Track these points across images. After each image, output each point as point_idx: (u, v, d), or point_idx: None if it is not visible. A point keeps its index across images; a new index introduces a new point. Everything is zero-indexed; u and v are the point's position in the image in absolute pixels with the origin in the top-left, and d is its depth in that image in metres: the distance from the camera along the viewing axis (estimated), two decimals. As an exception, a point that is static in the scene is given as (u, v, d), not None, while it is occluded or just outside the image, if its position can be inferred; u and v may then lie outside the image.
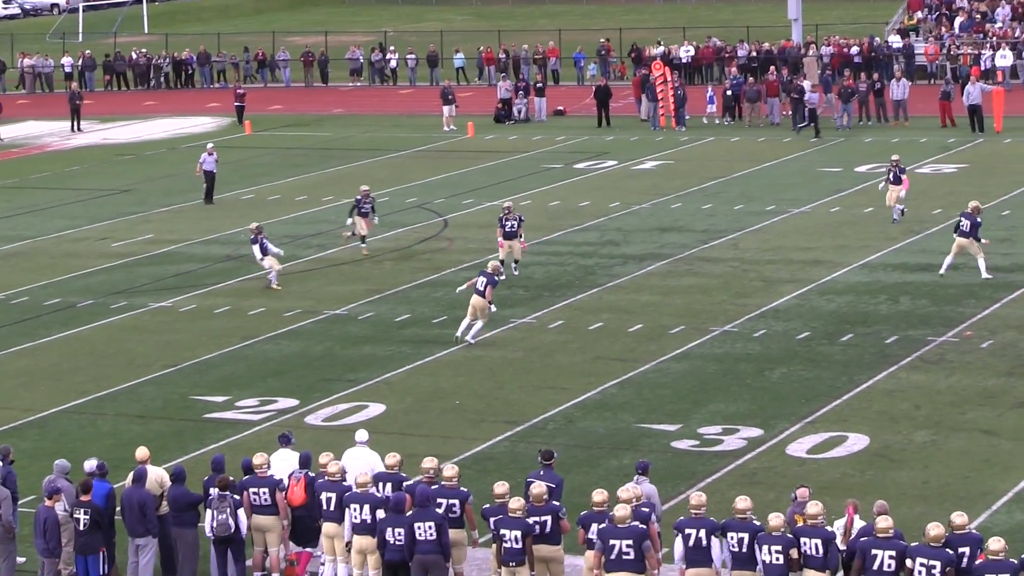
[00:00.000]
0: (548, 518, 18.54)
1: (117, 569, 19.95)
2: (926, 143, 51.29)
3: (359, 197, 37.40)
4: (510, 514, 18.35)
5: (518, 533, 18.24)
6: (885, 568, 17.10)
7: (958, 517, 17.35)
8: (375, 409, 26.57)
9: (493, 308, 30.19)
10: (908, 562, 17.00)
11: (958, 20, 66.22)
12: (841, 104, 54.75)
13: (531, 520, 18.40)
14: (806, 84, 56.44)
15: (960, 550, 17.08)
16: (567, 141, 54.65)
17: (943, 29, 66.05)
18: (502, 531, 18.30)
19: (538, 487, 18.77)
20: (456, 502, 19.09)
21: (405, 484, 19.46)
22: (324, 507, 19.52)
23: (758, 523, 17.84)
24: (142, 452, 20.25)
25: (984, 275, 33.11)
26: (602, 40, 70.70)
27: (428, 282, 35.15)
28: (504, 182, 46.90)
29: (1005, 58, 62.44)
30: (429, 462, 19.48)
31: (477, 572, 19.53)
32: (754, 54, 65.41)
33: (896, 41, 65.27)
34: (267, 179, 48.86)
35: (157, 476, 20.11)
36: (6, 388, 28.64)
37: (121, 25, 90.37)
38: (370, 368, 28.87)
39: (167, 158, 54.34)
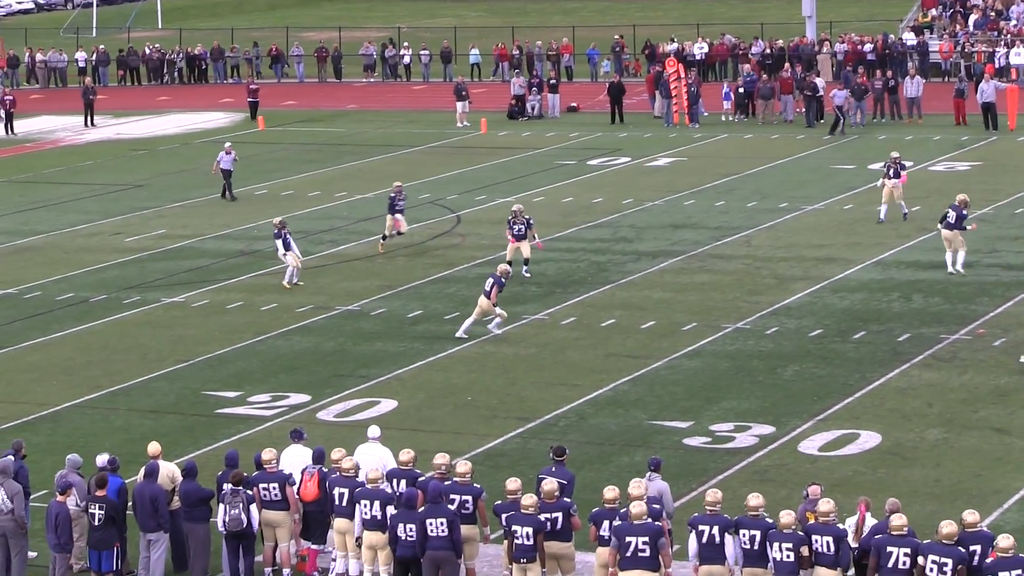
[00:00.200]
0: (559, 515, 18.55)
1: (129, 564, 19.99)
2: (940, 141, 51.21)
3: (393, 194, 37.00)
4: (522, 511, 18.36)
5: (529, 530, 18.24)
6: (900, 566, 17.09)
7: (970, 515, 17.34)
8: (387, 405, 26.58)
9: (498, 310, 30.13)
10: (920, 559, 16.99)
11: (972, 17, 66.10)
12: (854, 102, 54.66)
13: (543, 517, 18.40)
14: (819, 81, 56.40)
15: (971, 548, 17.07)
16: (580, 137, 54.63)
17: (957, 26, 65.94)
18: (514, 527, 18.31)
19: (549, 484, 18.78)
20: (469, 498, 19.09)
21: (418, 480, 19.47)
22: (336, 502, 19.54)
23: (770, 520, 17.83)
24: (154, 447, 20.29)
25: (958, 268, 33.35)
26: (616, 37, 70.66)
27: (441, 278, 35.16)
28: (517, 178, 46.90)
29: (1020, 56, 62.28)
30: (441, 458, 19.48)
31: (488, 568, 19.54)
32: (768, 51, 65.33)
33: (910, 38, 65.17)
34: (280, 175, 48.90)
35: (169, 471, 20.15)
36: (19, 382, 28.69)
37: (135, 20, 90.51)
38: (382, 364, 28.88)
39: (180, 153, 54.41)
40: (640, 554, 17.73)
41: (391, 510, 19.00)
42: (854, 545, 17.83)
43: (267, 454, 20.03)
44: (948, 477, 22.69)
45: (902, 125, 54.72)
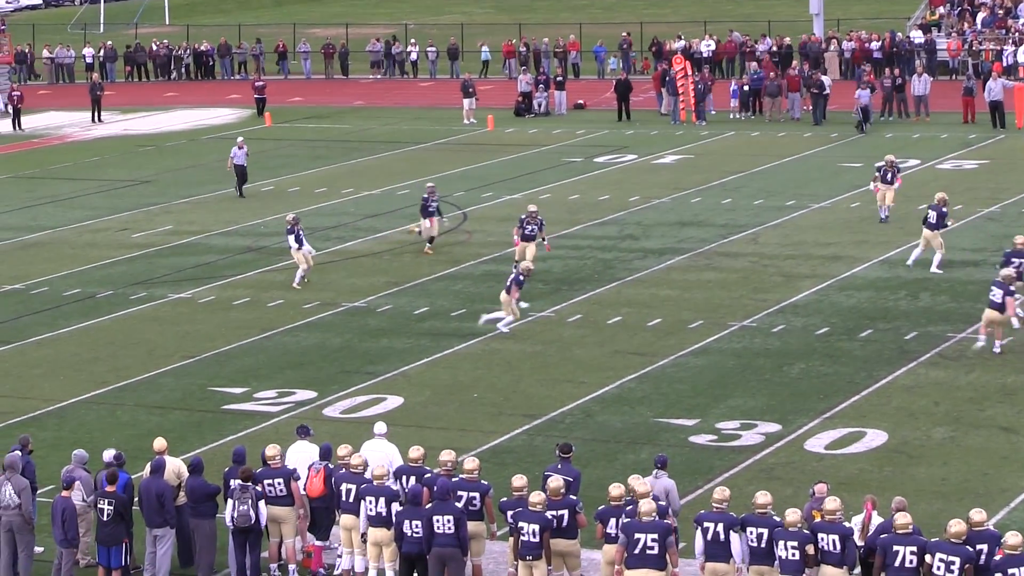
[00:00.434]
0: (565, 512, 18.55)
1: (135, 559, 20.01)
2: (947, 139, 51.18)
3: (425, 195, 36.68)
4: (530, 508, 18.35)
5: (536, 527, 18.24)
6: (907, 564, 17.09)
7: (977, 514, 17.33)
8: (393, 402, 26.59)
9: (523, 305, 30.16)
10: (928, 557, 16.99)
11: (980, 15, 66.03)
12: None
13: (548, 514, 18.40)
14: (826, 79, 56.36)
15: (978, 547, 17.06)
16: (587, 135, 54.62)
17: (965, 24, 65.87)
18: (520, 524, 18.31)
19: (555, 481, 18.78)
20: (476, 495, 19.09)
21: (425, 477, 19.47)
22: (343, 499, 19.55)
23: (777, 518, 17.83)
24: (160, 443, 20.30)
25: (935, 269, 33.35)
26: (624, 34, 70.63)
27: (447, 275, 35.16)
28: (524, 175, 46.89)
29: (1027, 54, 62.26)
30: (447, 455, 19.48)
31: (494, 565, 19.54)
32: (775, 49, 65.28)
33: (918, 36, 65.10)
34: (287, 171, 48.90)
35: (175, 467, 20.16)
36: (26, 378, 28.72)
37: (142, 16, 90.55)
38: (388, 361, 28.89)
39: (187, 149, 54.44)
40: (648, 552, 17.73)
41: (396, 507, 19.01)
42: (860, 543, 17.82)
43: (271, 450, 20.04)
44: (955, 476, 22.68)
45: (909, 123, 54.67)
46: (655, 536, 17.72)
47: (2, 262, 37.90)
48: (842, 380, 27.08)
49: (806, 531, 17.66)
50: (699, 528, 18.07)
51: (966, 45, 64.19)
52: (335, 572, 19.98)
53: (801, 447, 24.00)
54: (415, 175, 47.37)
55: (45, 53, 74.60)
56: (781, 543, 17.61)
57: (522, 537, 18.31)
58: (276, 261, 36.51)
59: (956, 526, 17.05)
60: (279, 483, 19.78)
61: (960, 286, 32.65)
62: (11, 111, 60.32)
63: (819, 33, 66.88)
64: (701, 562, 18.14)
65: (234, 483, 19.60)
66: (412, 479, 19.45)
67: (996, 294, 27.94)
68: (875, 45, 64.24)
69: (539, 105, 60.01)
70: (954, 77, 62.71)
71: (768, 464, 23.33)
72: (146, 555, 19.90)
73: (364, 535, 19.33)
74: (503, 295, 30.05)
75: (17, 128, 59.95)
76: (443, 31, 77.27)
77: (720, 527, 17.95)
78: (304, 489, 19.97)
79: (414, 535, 18.69)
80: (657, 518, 17.88)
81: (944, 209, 33.57)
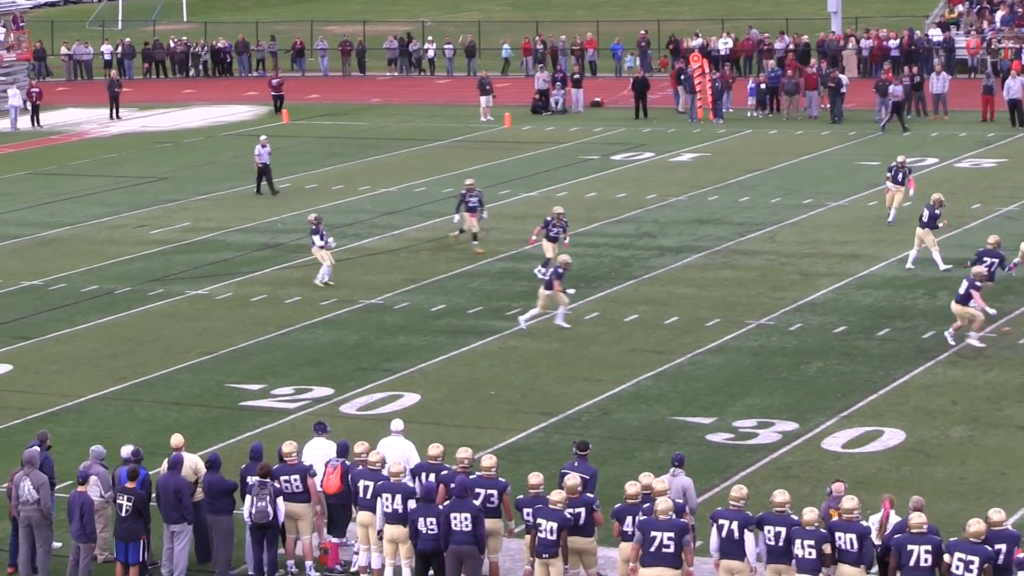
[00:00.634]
0: (582, 510, 18.55)
1: (153, 554, 20.05)
2: (965, 137, 51.07)
3: (464, 192, 36.53)
4: (550, 506, 18.34)
5: (554, 525, 18.23)
6: (922, 563, 17.06)
7: (995, 513, 17.29)
8: (410, 399, 26.61)
9: (569, 291, 30.38)
10: (947, 557, 16.96)
11: (999, 14, 65.87)
12: (879, 98, 54.51)
13: (567, 513, 18.39)
14: (843, 77, 56.27)
15: (996, 546, 17.02)
16: (604, 132, 54.59)
17: (984, 23, 65.71)
18: (539, 520, 18.30)
19: (572, 479, 18.78)
20: (494, 492, 19.09)
21: (442, 474, 19.47)
22: (360, 495, 19.56)
23: (795, 517, 17.81)
24: (177, 439, 20.33)
25: (942, 268, 33.34)
26: (642, 32, 70.57)
27: (464, 272, 35.17)
28: (540, 173, 46.89)
29: (1046, 52, 62.09)
30: (464, 452, 19.49)
31: (511, 562, 19.54)
32: (792, 47, 65.19)
33: (936, 34, 64.96)
34: (304, 168, 48.93)
35: (192, 463, 20.18)
36: (44, 374, 28.79)
37: (160, 13, 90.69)
38: (405, 358, 28.91)
39: (205, 146, 54.52)
40: (664, 550, 17.72)
41: (412, 504, 19.02)
42: (877, 542, 17.79)
43: (287, 447, 20.06)
44: (973, 475, 22.64)
45: (927, 121, 54.56)
46: (671, 535, 17.71)
47: (21, 258, 38.00)
48: (859, 379, 27.04)
49: (823, 530, 17.64)
50: (714, 525, 18.08)
51: (985, 43, 64.02)
52: (351, 569, 20.00)
53: (818, 446, 23.97)
54: (432, 172, 47.40)
55: (63, 50, 74.70)
56: (798, 542, 17.59)
57: (539, 534, 18.31)
58: (293, 258, 36.55)
59: (975, 525, 17.02)
60: (295, 479, 19.80)
61: (978, 285, 32.51)
62: (30, 107, 60.44)
63: (837, 31, 66.76)
64: (716, 559, 18.14)
65: (252, 479, 19.63)
66: (431, 476, 19.46)
67: (962, 286, 28.30)
68: (893, 43, 64.11)
69: (556, 103, 59.99)
70: (973, 75, 62.57)
71: (785, 463, 23.31)
72: (163, 551, 19.93)
73: (380, 532, 19.34)
74: (542, 290, 30.02)
75: (36, 125, 60.08)
76: (460, 28, 77.26)
77: (735, 525, 17.95)
78: (321, 486, 19.98)
79: (428, 532, 18.70)
80: (674, 517, 17.87)
81: (937, 211, 33.65)
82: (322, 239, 33.88)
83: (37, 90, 61.38)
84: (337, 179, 47.06)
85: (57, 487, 20.78)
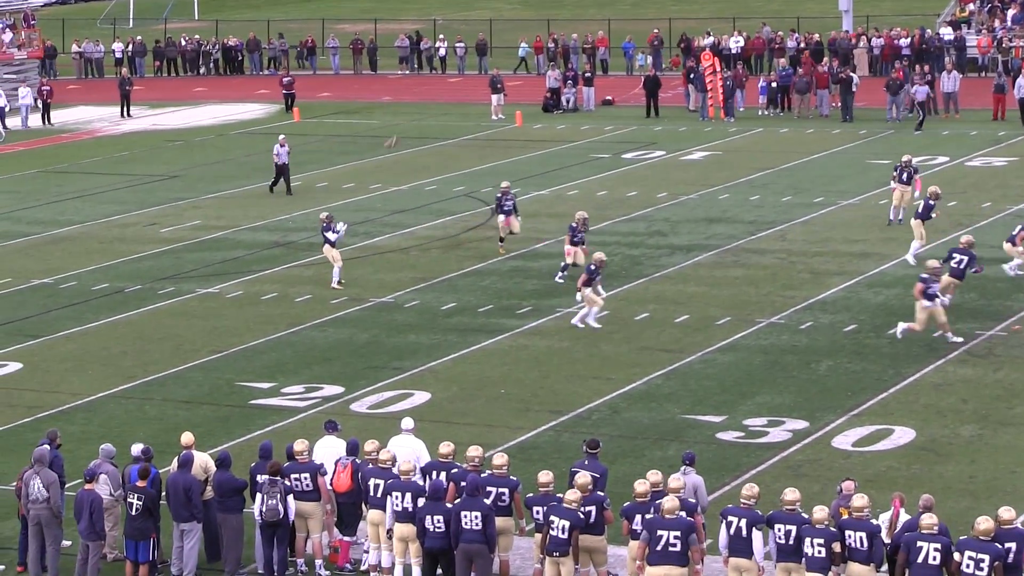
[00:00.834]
0: (592, 508, 18.54)
1: (163, 553, 20.06)
2: (976, 136, 51.00)
3: (499, 195, 36.18)
4: (564, 504, 18.32)
5: (566, 523, 18.23)
6: (930, 560, 17.04)
7: (1006, 512, 17.27)
8: (420, 397, 26.61)
9: (601, 292, 30.20)
10: (956, 555, 16.93)
11: (1011, 12, 65.77)
12: (890, 96, 54.44)
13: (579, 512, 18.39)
14: (854, 76, 56.19)
15: (1007, 545, 17.00)
16: (615, 131, 54.57)
17: (996, 21, 65.61)
18: (552, 518, 18.29)
19: (583, 477, 18.77)
20: (506, 491, 19.08)
21: (452, 472, 19.46)
22: (371, 494, 19.56)
23: (805, 515, 17.80)
24: (187, 437, 20.34)
25: (908, 258, 33.60)
26: (655, 31, 70.55)
27: (475, 271, 35.17)
28: (552, 171, 46.88)
29: (1058, 51, 62.00)
30: (474, 451, 19.49)
31: (521, 560, 19.54)
32: (803, 45, 65.12)
33: (947, 33, 64.87)
34: (315, 166, 48.94)
35: (202, 461, 20.19)
36: (55, 372, 28.82)
37: (171, 11, 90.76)
38: (416, 356, 28.91)
39: (216, 144, 54.56)
40: (671, 548, 17.72)
41: (422, 502, 19.01)
42: (887, 541, 17.77)
43: (299, 445, 20.06)
44: (983, 473, 22.60)
45: (939, 120, 54.46)
46: (677, 533, 17.72)
47: (31, 256, 38.05)
48: (870, 377, 27.02)
49: (833, 528, 17.63)
50: (723, 522, 18.08)
51: (996, 42, 63.92)
52: (362, 567, 20.00)
53: (828, 444, 23.95)
54: (443, 171, 47.40)
55: (74, 48, 74.78)
56: (808, 540, 17.58)
57: (551, 532, 18.31)
58: (304, 256, 36.56)
59: (984, 523, 16.99)
60: (306, 478, 19.80)
61: (989, 283, 32.51)
62: (41, 106, 60.51)
63: (848, 29, 66.68)
64: (725, 556, 18.14)
65: (262, 478, 19.63)
66: (442, 474, 19.45)
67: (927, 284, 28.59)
68: (904, 42, 64.01)
69: (567, 101, 59.97)
70: (984, 74, 62.46)
71: (795, 461, 23.29)
72: (173, 549, 19.95)
73: (390, 531, 19.34)
74: (587, 291, 29.89)
75: (46, 123, 60.14)
76: (472, 27, 77.26)
77: (743, 523, 17.95)
78: (331, 484, 19.98)
79: (436, 530, 18.69)
80: (683, 515, 17.86)
81: (931, 202, 33.89)
82: (334, 233, 33.59)
83: (48, 88, 61.44)
84: (348, 177, 47.08)
85: (67, 485, 20.80)
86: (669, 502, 17.89)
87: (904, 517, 18.04)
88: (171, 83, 72.12)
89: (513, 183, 44.94)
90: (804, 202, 41.51)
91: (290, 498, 19.62)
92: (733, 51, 65.92)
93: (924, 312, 28.42)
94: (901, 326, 28.71)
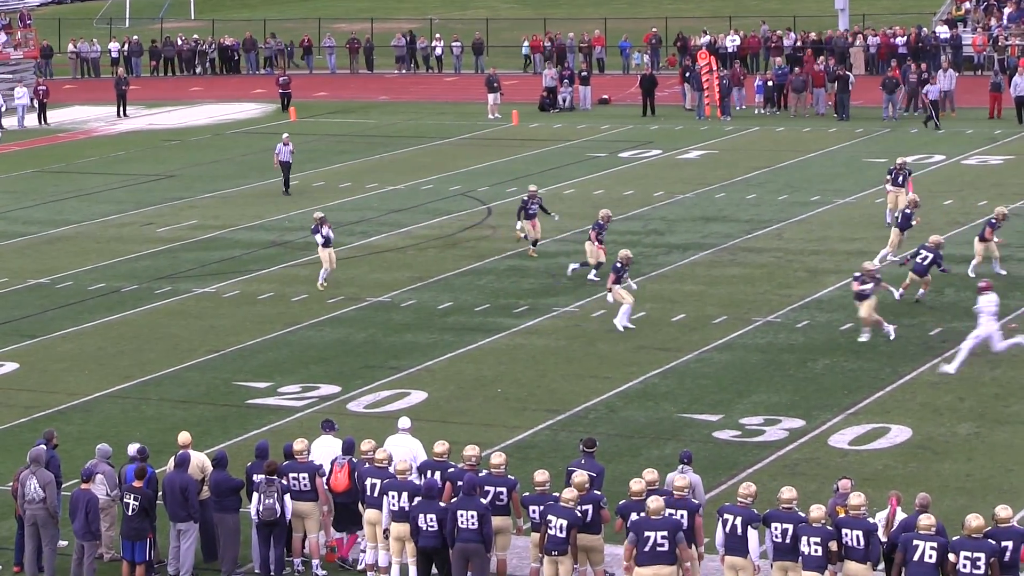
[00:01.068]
0: (589, 507, 18.54)
1: (159, 553, 20.05)
2: (972, 134, 51.02)
3: (526, 198, 35.72)
4: (561, 503, 18.33)
5: (564, 522, 18.23)
6: (926, 559, 17.04)
7: (1003, 510, 17.27)
8: (417, 396, 26.61)
9: (631, 286, 30.01)
10: (952, 556, 16.92)
11: (1007, 11, 65.80)
12: (886, 95, 54.45)
13: (577, 511, 18.38)
14: (850, 74, 56.19)
15: (1003, 544, 17.00)
16: (612, 130, 54.58)
17: (992, 20, 65.63)
18: (549, 517, 18.30)
19: (580, 476, 18.78)
20: (503, 490, 19.08)
21: (449, 471, 19.46)
22: (368, 493, 19.56)
23: (802, 514, 17.80)
24: (184, 437, 20.33)
25: (875, 261, 33.35)
26: (652, 29, 70.57)
27: (471, 270, 35.17)
28: (548, 170, 46.87)
29: (1054, 49, 62.00)
30: (471, 450, 19.49)
31: (517, 560, 19.54)
32: (800, 44, 65.13)
33: (943, 31, 64.89)
34: (312, 166, 48.92)
35: (199, 461, 20.19)
36: (51, 372, 28.81)
37: (168, 11, 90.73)
38: (412, 355, 28.91)
39: (213, 144, 54.54)
40: (658, 549, 17.75)
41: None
42: (884, 539, 17.77)
43: (298, 444, 20.06)
44: (979, 472, 22.62)
45: (933, 120, 54.42)
46: (664, 533, 17.74)
47: (27, 256, 38.03)
48: (867, 376, 27.03)
49: (830, 527, 17.63)
50: (719, 520, 18.09)
51: (991, 40, 63.94)
52: (359, 567, 20.00)
53: (825, 443, 23.96)
54: (439, 170, 47.41)
55: (70, 47, 74.74)
56: (805, 539, 17.59)
57: (549, 531, 18.31)
58: (300, 256, 36.55)
59: (975, 520, 17.01)
60: (304, 478, 19.80)
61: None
62: (37, 105, 60.48)
63: (844, 28, 66.70)
64: (722, 554, 18.16)
65: (259, 477, 19.63)
66: (437, 474, 19.45)
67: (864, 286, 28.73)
68: (900, 40, 64.03)
69: (564, 100, 59.98)
70: (980, 73, 62.49)
71: (792, 460, 23.30)
72: (170, 549, 19.95)
73: (387, 530, 19.34)
74: (618, 289, 29.82)
75: (43, 123, 60.12)
76: (468, 26, 77.24)
77: (739, 521, 17.96)
78: (328, 484, 19.97)
79: (429, 529, 18.69)
80: (673, 515, 17.86)
81: (909, 211, 33.99)
82: (322, 236, 33.27)
83: (44, 88, 61.40)
84: (344, 176, 47.07)
85: (64, 485, 20.78)
86: (654, 502, 17.91)
87: (901, 515, 18.05)
88: (167, 83, 72.09)
89: (510, 182, 45.01)
90: (800, 201, 41.53)
91: (287, 497, 19.62)
92: (729, 50, 65.94)
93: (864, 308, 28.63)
94: (887, 328, 28.74)
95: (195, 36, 76.38)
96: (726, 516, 18.05)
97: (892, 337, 28.59)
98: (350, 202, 43.25)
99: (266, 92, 65.05)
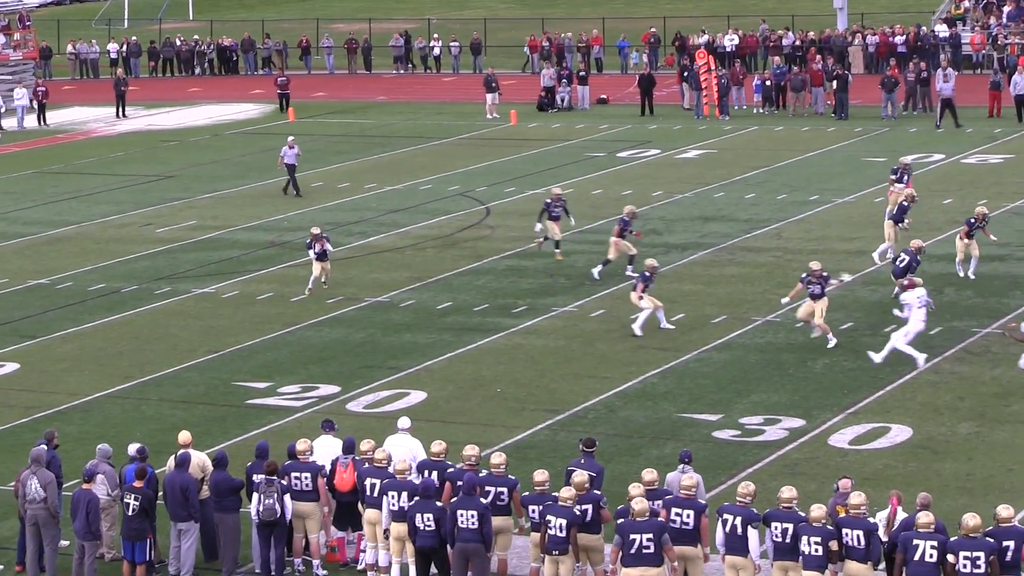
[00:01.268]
0: (589, 507, 18.54)
1: (160, 553, 20.05)
2: (972, 133, 51.02)
3: (549, 200, 35.35)
4: (560, 503, 18.34)
5: (563, 522, 18.24)
6: (927, 558, 17.05)
7: (1004, 510, 17.26)
8: (416, 396, 26.61)
9: (643, 304, 29.63)
10: (951, 557, 16.92)
11: (1006, 9, 65.80)
12: (885, 94, 54.44)
13: (576, 509, 18.39)
14: (847, 74, 56.17)
15: (1004, 543, 16.99)
16: (610, 129, 54.57)
17: (991, 18, 65.64)
18: (548, 517, 18.30)
19: (579, 476, 18.78)
20: (504, 490, 19.08)
21: (448, 471, 19.46)
22: (368, 493, 19.56)
23: (802, 514, 17.80)
24: (184, 436, 20.34)
25: (876, 260, 33.90)
26: (651, 29, 70.56)
27: (470, 270, 35.17)
28: (547, 170, 46.87)
29: (1053, 48, 62.00)
30: (471, 450, 19.49)
31: (517, 559, 19.54)
32: (798, 43, 65.12)
33: (943, 30, 64.89)
34: (310, 166, 48.86)
35: (199, 461, 20.19)
36: (51, 372, 28.80)
37: (166, 11, 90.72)
38: (412, 355, 28.91)
39: (211, 144, 54.53)
40: (644, 551, 17.77)
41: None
42: (885, 539, 17.77)
43: (301, 445, 20.05)
44: (980, 471, 22.62)
45: (934, 117, 54.43)
46: (650, 535, 17.75)
47: (27, 257, 38.03)
48: (866, 375, 27.03)
49: (830, 527, 17.63)
50: (719, 520, 18.10)
51: (990, 39, 63.94)
52: (359, 567, 20.00)
53: (825, 442, 23.96)
54: (438, 170, 47.40)
55: (69, 48, 74.73)
56: (805, 538, 17.59)
57: (549, 531, 18.31)
58: (299, 256, 36.51)
59: (972, 520, 17.02)
60: (306, 477, 19.79)
61: (985, 281, 32.53)
62: (36, 106, 60.47)
63: (842, 27, 66.71)
64: (722, 554, 18.16)
65: (258, 477, 19.63)
66: (434, 473, 19.45)
67: (815, 288, 28.65)
68: (899, 39, 64.04)
69: (562, 100, 59.97)
70: (979, 71, 62.49)
71: (792, 459, 23.30)
72: (170, 549, 19.95)
73: (387, 530, 19.34)
74: (633, 296, 29.77)
75: (42, 123, 60.11)
76: (466, 25, 77.24)
77: (738, 521, 17.97)
78: (333, 483, 19.95)
79: (426, 528, 18.69)
80: (649, 517, 17.87)
81: (906, 204, 34.01)
82: (315, 253, 32.58)
83: (43, 89, 61.39)
84: (343, 177, 47.06)
85: (64, 485, 20.78)
86: (639, 504, 17.93)
87: (902, 515, 18.04)
88: (166, 83, 72.08)
89: (508, 182, 45.02)
90: (799, 200, 41.53)
91: (287, 498, 19.62)
92: (728, 49, 65.93)
93: (806, 308, 28.61)
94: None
95: (195, 37, 76.39)
96: (726, 516, 18.06)
97: (831, 344, 28.40)
98: (348, 202, 43.25)
99: (264, 92, 65.04)
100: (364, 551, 19.95)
